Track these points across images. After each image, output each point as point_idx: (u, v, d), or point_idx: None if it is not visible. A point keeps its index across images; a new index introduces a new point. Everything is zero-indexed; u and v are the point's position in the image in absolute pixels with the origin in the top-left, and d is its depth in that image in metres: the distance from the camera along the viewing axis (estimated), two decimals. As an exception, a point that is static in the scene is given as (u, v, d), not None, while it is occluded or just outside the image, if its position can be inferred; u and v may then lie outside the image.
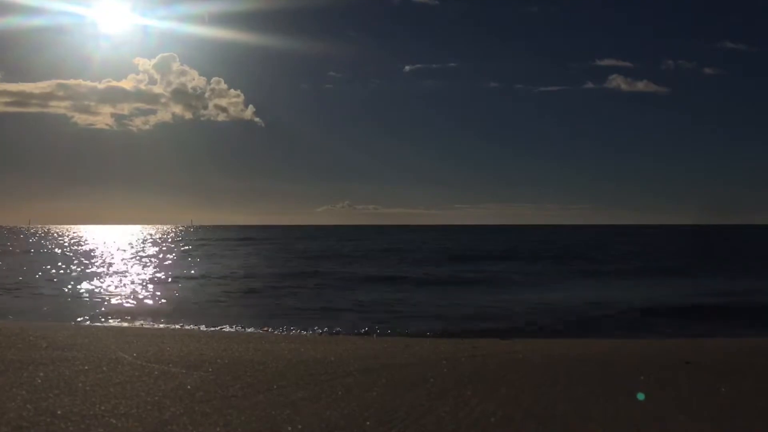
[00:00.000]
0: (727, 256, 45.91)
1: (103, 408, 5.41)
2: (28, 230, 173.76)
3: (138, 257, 43.93)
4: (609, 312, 17.11)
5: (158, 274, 29.47)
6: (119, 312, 16.76)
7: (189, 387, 6.30)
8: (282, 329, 13.56)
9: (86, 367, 7.21)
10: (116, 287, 23.65)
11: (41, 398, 5.71)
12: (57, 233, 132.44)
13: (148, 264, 37.11)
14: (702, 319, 15.96)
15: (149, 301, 19.34)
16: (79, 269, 32.63)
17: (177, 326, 14.01)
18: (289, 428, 4.96)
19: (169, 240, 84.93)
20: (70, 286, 23.81)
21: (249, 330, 13.45)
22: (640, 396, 5.92)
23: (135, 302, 19.13)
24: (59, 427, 4.86)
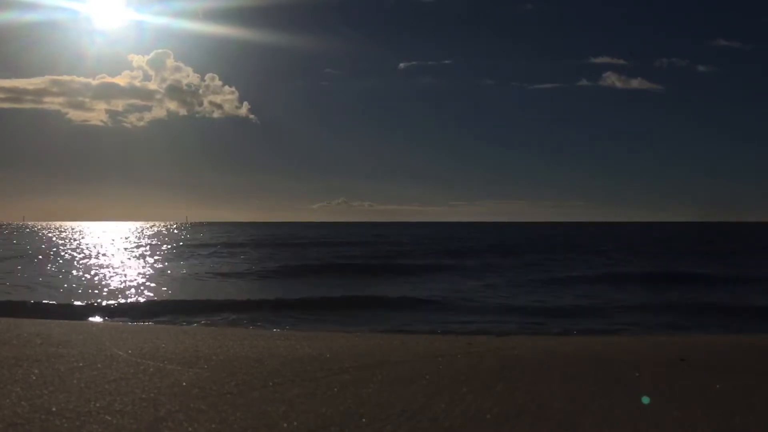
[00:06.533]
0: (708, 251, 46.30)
1: (98, 405, 5.40)
2: (22, 227, 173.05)
3: (133, 254, 43.82)
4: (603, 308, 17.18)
5: (156, 271, 29.41)
6: (114, 308, 16.71)
7: (184, 384, 6.29)
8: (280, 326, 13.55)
9: (81, 364, 7.19)
10: (111, 283, 23.58)
11: (36, 395, 5.70)
12: (51, 230, 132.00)
13: (144, 260, 37.03)
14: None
15: (144, 298, 19.30)
16: (72, 266, 32.53)
17: (172, 323, 13.98)
18: (285, 425, 4.95)
19: (169, 237, 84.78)
20: (63, 283, 23.74)
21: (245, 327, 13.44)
22: (645, 399, 5.92)
23: (130, 299, 19.08)
24: (54, 424, 4.85)
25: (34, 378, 6.41)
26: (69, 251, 45.96)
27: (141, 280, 24.69)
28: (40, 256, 39.83)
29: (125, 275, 26.96)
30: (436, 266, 32.93)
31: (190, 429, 4.81)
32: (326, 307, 17.21)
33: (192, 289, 22.28)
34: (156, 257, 40.07)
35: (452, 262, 35.76)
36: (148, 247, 52.28)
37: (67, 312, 15.57)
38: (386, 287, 22.77)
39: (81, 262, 35.31)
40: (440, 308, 17.38)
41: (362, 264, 34.30)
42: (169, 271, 29.29)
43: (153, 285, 23.06)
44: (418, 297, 19.39)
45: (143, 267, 31.79)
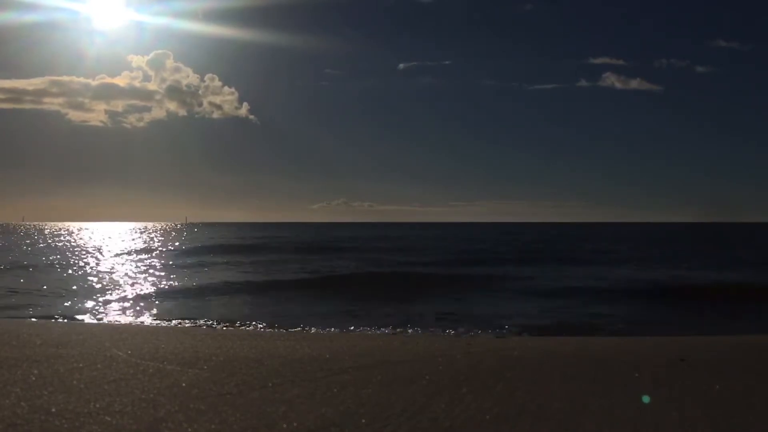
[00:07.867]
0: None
1: (97, 405, 5.40)
2: (22, 227, 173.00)
3: (135, 255, 43.79)
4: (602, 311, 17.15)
5: (156, 272, 29.39)
6: (114, 308, 16.71)
7: (184, 384, 6.29)
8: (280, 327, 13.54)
9: (81, 365, 7.19)
10: (110, 283, 23.56)
11: (36, 396, 5.70)
12: (50, 230, 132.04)
13: (146, 262, 36.99)
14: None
15: (144, 298, 19.29)
16: (71, 267, 32.51)
17: (172, 323, 13.98)
18: (284, 425, 4.95)
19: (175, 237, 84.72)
20: (62, 283, 23.72)
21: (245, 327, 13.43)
22: (645, 399, 5.92)
23: (130, 298, 19.07)
24: (54, 424, 4.85)
25: (33, 379, 6.41)
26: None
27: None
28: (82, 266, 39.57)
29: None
30: (490, 276, 27.83)
31: (189, 429, 4.81)
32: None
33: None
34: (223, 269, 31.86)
35: (514, 270, 30.53)
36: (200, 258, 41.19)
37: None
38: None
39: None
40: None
41: (426, 273, 29.20)
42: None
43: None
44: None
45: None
